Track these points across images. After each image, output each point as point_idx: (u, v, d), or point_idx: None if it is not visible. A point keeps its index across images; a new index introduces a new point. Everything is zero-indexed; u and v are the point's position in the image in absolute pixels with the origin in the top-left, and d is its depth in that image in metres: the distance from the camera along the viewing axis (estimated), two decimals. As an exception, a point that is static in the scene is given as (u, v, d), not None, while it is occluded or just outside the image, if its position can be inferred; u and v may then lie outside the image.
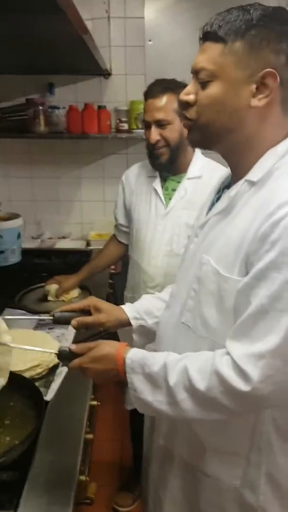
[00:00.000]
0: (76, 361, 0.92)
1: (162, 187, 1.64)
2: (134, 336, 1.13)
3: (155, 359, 0.87)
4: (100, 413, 2.36)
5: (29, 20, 1.30)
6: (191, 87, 0.87)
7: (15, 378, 1.09)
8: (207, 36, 0.84)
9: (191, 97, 0.86)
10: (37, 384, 1.21)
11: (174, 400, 0.84)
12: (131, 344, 0.98)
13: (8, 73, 2.45)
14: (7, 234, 2.09)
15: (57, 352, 0.95)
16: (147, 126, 1.54)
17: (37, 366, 1.24)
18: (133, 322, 1.11)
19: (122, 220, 1.81)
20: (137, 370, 0.87)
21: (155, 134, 1.50)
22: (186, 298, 0.94)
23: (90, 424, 1.61)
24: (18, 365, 1.21)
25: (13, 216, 2.20)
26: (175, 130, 1.51)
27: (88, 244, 2.62)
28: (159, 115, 1.49)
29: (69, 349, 0.93)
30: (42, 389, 1.20)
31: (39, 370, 1.24)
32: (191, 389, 0.82)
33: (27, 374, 1.20)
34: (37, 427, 0.98)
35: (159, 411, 0.86)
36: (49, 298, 1.81)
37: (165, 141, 1.52)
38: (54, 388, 1.21)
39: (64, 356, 0.95)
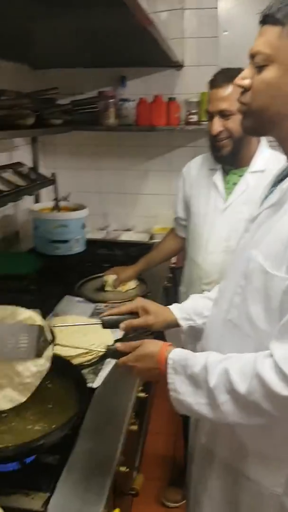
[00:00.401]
0: (121, 359, 0.94)
1: (223, 180, 1.59)
2: (183, 337, 1.11)
3: (196, 360, 0.85)
4: (156, 407, 2.37)
5: (95, 14, 1.32)
6: (247, 71, 0.84)
7: (61, 363, 1.12)
8: (266, 20, 0.80)
9: (246, 82, 0.83)
10: (85, 371, 1.23)
11: (215, 402, 0.81)
12: (179, 345, 0.98)
13: (81, 67, 2.51)
14: (73, 224, 2.15)
15: (105, 350, 0.98)
16: (210, 116, 1.50)
17: (86, 353, 1.26)
18: (182, 322, 1.10)
19: (181, 213, 1.78)
20: (179, 371, 0.85)
21: (217, 125, 1.46)
22: (232, 294, 0.90)
23: (138, 416, 1.62)
24: (68, 351, 1.23)
25: (79, 207, 2.26)
26: (239, 121, 1.45)
27: (151, 237, 2.62)
28: (223, 105, 1.44)
29: (116, 348, 0.96)
30: (90, 376, 1.22)
31: (88, 357, 1.26)
32: (232, 392, 0.79)
33: (76, 361, 1.22)
34: (79, 413, 0.99)
35: (199, 413, 0.84)
36: (107, 288, 1.83)
37: (228, 132, 1.47)
38: (102, 376, 1.23)
39: (112, 354, 0.98)
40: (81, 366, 1.23)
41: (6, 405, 0.93)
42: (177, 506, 1.97)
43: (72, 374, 1.10)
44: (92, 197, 2.73)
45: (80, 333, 1.33)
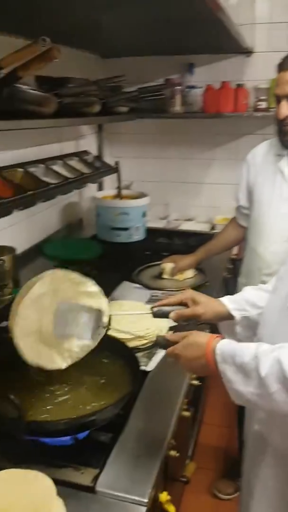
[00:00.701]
0: (170, 348, 0.95)
1: None
2: (238, 328, 1.09)
3: (245, 350, 0.83)
4: (211, 398, 2.36)
5: (165, 1, 1.31)
6: None
7: (117, 344, 1.14)
8: None
9: None
10: (140, 354, 1.24)
11: (267, 391, 0.79)
12: (234, 338, 0.97)
13: (150, 55, 2.51)
14: (133, 212, 2.17)
15: (155, 340, 1.03)
16: (277, 100, 1.43)
17: (142, 337, 1.27)
18: (234, 313, 1.08)
19: (243, 201, 1.73)
20: (228, 361, 0.84)
21: (284, 108, 1.39)
22: None
23: (191, 403, 1.62)
24: (123, 334, 1.25)
25: (140, 195, 2.27)
26: None
27: (213, 227, 2.59)
28: None
29: (166, 337, 0.99)
30: (144, 360, 1.23)
31: (144, 341, 1.28)
32: (285, 381, 0.76)
33: (131, 344, 1.23)
34: (132, 392, 1.00)
35: (252, 402, 0.83)
36: (164, 276, 1.83)
37: None
38: (156, 361, 1.23)
39: (161, 343, 1.00)
40: (136, 349, 1.24)
41: (46, 364, 0.97)
42: (229, 499, 1.95)
43: (127, 356, 1.12)
44: (155, 186, 2.74)
45: (136, 317, 1.35)
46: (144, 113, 2.49)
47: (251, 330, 1.08)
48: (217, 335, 0.91)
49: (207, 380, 2.15)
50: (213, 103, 2.47)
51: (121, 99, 2.07)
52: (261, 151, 1.66)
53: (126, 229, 2.18)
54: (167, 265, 1.84)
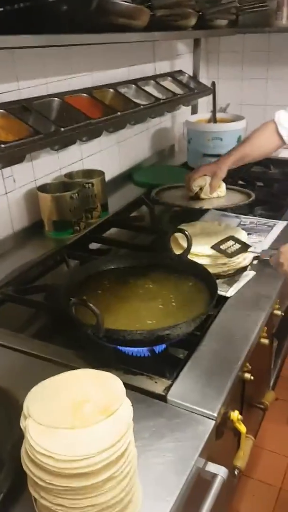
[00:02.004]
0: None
1: None
2: None
3: None
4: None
5: None
6: None
7: (199, 269, 1.14)
8: None
9: None
10: (221, 281, 1.23)
11: None
12: None
13: None
14: (228, 137, 2.06)
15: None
16: None
17: (224, 264, 1.25)
18: None
19: None
20: None
21: None
22: None
23: (275, 334, 1.59)
24: (206, 259, 1.24)
25: (236, 119, 2.14)
26: None
27: None
28: None
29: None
30: (224, 286, 1.22)
31: (225, 268, 1.25)
32: None
33: (212, 270, 1.22)
34: (206, 313, 1.00)
35: None
36: (203, 196, 1.54)
37: None
38: (237, 287, 1.21)
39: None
40: (217, 276, 1.23)
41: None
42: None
43: (206, 280, 1.11)
44: (254, 110, 2.55)
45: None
46: (245, 28, 2.28)
47: None
48: None
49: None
50: None
51: (220, 10, 1.90)
52: None
53: (218, 155, 2.08)
54: (198, 182, 1.51)
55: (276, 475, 1.83)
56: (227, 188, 1.62)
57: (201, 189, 1.47)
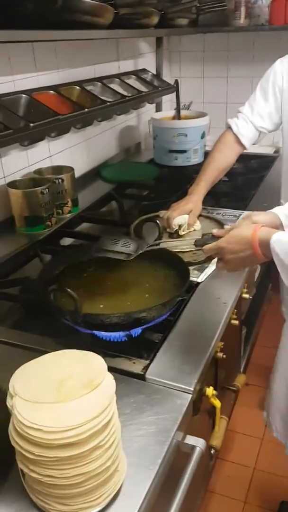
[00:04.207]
0: (214, 243, 0.96)
1: None
2: None
3: None
4: (266, 323, 2.39)
5: None
6: None
7: (171, 257, 1.19)
8: None
9: None
10: (192, 267, 1.28)
11: None
12: None
13: None
14: (192, 133, 2.12)
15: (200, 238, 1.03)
16: None
17: (194, 253, 1.30)
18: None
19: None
20: (284, 239, 0.83)
21: None
22: None
23: (245, 318, 1.66)
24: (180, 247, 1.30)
25: (199, 115, 2.21)
26: None
27: (276, 151, 2.48)
28: None
29: (212, 234, 1.01)
30: (195, 272, 1.27)
31: (195, 257, 1.30)
32: None
33: (185, 257, 1.26)
34: (179, 296, 1.05)
35: None
36: (181, 232, 1.47)
37: None
38: (207, 273, 1.26)
39: (205, 241, 1.00)
40: (188, 263, 1.27)
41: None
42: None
43: (178, 267, 1.16)
44: (216, 107, 2.64)
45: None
46: (205, 27, 2.35)
47: None
48: (262, 224, 0.92)
49: (261, 303, 2.18)
50: (280, 14, 2.27)
51: (181, 9, 1.96)
52: None
53: (183, 151, 2.15)
54: (177, 220, 1.45)
55: (249, 457, 1.90)
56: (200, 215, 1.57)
57: (180, 226, 1.46)
